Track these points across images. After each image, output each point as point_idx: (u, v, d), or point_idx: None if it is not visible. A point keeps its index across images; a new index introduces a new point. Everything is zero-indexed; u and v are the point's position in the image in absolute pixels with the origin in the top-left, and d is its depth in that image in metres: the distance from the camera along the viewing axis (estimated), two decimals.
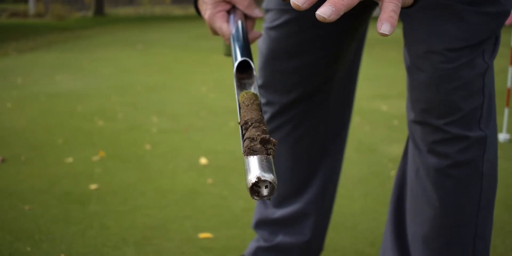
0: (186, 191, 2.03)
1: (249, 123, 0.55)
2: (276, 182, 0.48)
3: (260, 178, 0.48)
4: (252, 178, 0.48)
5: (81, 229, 1.68)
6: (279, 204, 1.24)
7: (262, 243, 1.25)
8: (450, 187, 0.92)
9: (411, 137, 0.98)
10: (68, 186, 2.06)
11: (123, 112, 3.42)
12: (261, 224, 1.27)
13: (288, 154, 1.20)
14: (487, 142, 0.91)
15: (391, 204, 1.07)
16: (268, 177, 0.48)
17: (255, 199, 0.49)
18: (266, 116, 1.19)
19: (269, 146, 0.51)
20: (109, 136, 2.83)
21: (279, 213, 1.23)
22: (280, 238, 1.23)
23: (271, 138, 0.52)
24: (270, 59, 1.12)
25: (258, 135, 0.52)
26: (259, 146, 0.51)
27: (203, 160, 2.40)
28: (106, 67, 5.47)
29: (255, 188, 0.48)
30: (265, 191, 0.48)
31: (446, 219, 0.94)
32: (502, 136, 2.76)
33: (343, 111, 1.23)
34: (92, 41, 8.54)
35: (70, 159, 2.40)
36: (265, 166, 0.49)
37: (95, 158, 2.43)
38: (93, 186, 2.05)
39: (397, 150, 2.58)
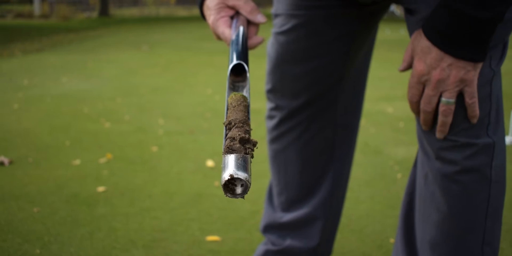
0: (193, 193, 2.04)
1: (233, 124, 0.57)
2: (250, 181, 0.48)
3: (233, 175, 0.48)
4: (225, 175, 0.48)
5: (89, 231, 1.69)
6: (287, 208, 1.24)
7: (270, 247, 1.25)
8: (457, 193, 0.92)
9: (420, 143, 0.98)
10: (76, 188, 2.08)
11: (129, 113, 3.44)
12: (269, 228, 1.27)
13: (296, 158, 1.21)
14: (495, 149, 0.91)
15: (402, 209, 1.07)
16: (241, 175, 0.48)
17: (228, 196, 0.49)
18: (275, 121, 1.20)
19: (248, 146, 0.52)
20: (116, 138, 2.84)
21: (287, 217, 1.23)
22: (288, 242, 1.23)
23: (252, 138, 0.52)
24: (279, 63, 1.13)
25: (239, 135, 0.53)
26: (238, 145, 0.52)
27: (210, 163, 2.40)
28: (111, 68, 5.49)
29: (230, 186, 0.49)
30: (239, 190, 0.49)
31: (453, 225, 0.94)
32: (508, 139, 2.75)
33: (351, 115, 1.22)
34: (97, 42, 8.57)
35: (77, 161, 2.42)
36: (240, 165, 0.49)
37: (102, 160, 2.44)
38: (101, 188, 2.07)
39: (403, 152, 2.58)
